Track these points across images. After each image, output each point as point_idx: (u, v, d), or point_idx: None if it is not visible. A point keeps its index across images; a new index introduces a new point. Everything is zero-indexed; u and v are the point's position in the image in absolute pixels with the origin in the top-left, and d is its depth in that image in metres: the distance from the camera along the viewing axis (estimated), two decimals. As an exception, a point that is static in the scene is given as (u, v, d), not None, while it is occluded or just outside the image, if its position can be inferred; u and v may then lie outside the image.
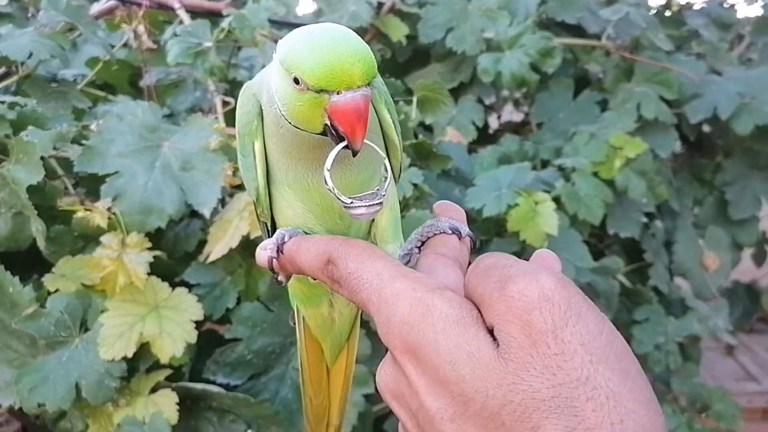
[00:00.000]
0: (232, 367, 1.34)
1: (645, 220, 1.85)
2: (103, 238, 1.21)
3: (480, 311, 0.45)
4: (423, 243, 0.63)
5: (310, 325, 0.78)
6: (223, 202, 1.36)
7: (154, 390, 1.25)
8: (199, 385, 1.26)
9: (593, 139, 1.73)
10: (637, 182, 1.72)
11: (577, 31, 2.04)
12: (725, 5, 2.62)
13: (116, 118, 1.33)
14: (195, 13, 1.77)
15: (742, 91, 1.96)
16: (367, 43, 0.58)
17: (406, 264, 0.62)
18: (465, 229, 0.63)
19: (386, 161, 0.61)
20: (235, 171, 1.27)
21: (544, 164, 1.83)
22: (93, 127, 1.31)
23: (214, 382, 1.33)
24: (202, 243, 1.39)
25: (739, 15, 2.65)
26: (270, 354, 1.36)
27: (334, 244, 0.56)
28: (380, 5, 1.87)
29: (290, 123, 0.57)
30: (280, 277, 0.66)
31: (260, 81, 0.63)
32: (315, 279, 0.61)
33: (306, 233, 0.64)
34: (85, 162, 1.28)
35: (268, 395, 1.36)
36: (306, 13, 2.05)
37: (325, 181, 0.56)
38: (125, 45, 1.88)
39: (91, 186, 1.37)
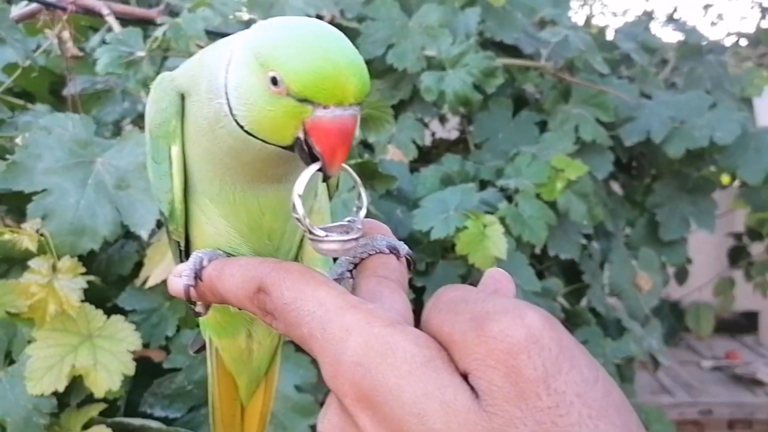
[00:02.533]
0: (170, 399, 1.27)
1: (584, 241, 1.86)
2: (31, 263, 1.11)
3: (448, 353, 0.38)
4: (356, 265, 0.55)
5: (223, 358, 0.69)
6: (159, 223, 1.28)
7: (86, 426, 1.16)
8: (137, 421, 1.17)
9: (535, 161, 1.72)
10: (578, 204, 1.73)
11: (513, 51, 2.04)
12: (646, 28, 2.70)
13: (44, 131, 1.23)
14: (124, 20, 1.68)
15: (673, 115, 2.01)
16: None
17: None
18: (404, 248, 0.55)
19: (362, 189, 0.53)
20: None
21: (483, 184, 1.82)
22: (18, 140, 1.21)
23: (151, 416, 1.25)
24: (138, 266, 1.31)
25: (663, 39, 2.73)
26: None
27: (264, 269, 0.47)
28: (319, 18, 1.82)
29: (242, 128, 0.48)
30: (198, 308, 0.58)
31: (187, 72, 0.54)
32: (241, 309, 0.52)
33: (228, 255, 0.56)
34: (10, 179, 1.18)
35: (208, 428, 1.28)
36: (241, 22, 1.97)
37: (294, 209, 0.48)
38: (46, 51, 1.77)
39: (14, 204, 1.26)
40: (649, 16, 3.63)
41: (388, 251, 0.53)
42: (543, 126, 1.95)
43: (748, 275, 2.96)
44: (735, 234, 3.12)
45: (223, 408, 0.73)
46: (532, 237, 1.62)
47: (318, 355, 0.41)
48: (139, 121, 1.91)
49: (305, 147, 0.47)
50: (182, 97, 0.54)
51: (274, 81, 0.46)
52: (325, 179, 0.50)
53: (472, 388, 0.36)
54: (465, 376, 0.36)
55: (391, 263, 0.53)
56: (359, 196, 0.53)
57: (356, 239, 0.50)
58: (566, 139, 1.83)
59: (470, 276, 1.54)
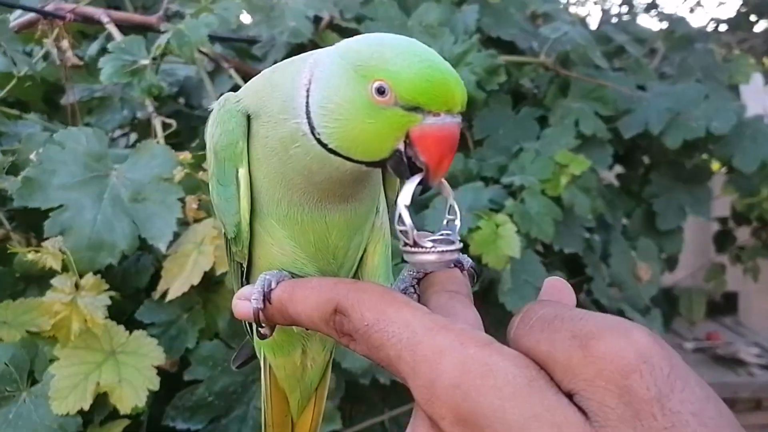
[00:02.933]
0: (191, 411, 1.26)
1: (587, 235, 1.88)
2: (54, 281, 1.09)
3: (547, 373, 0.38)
4: (419, 280, 0.55)
5: (277, 375, 0.69)
6: (176, 235, 1.27)
7: (111, 443, 1.14)
8: (163, 436, 1.16)
9: (539, 157, 1.73)
10: (582, 199, 1.74)
11: (508, 46, 2.04)
12: (625, 17, 2.72)
13: (57, 146, 1.21)
14: (123, 27, 1.65)
15: (669, 106, 2.02)
16: None
17: None
18: (468, 261, 0.55)
19: (454, 201, 0.52)
20: (201, 203, 1.18)
21: (486, 182, 1.82)
22: (32, 156, 1.19)
23: (174, 429, 1.24)
24: (153, 279, 1.29)
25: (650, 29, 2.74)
26: (231, 394, 1.28)
27: (340, 290, 0.47)
28: (318, 20, 1.81)
29: (325, 146, 0.48)
30: (264, 330, 0.57)
31: (254, 93, 0.53)
32: (310, 330, 0.53)
33: (293, 275, 0.56)
34: (26, 195, 1.16)
35: (229, 439, 1.27)
36: (244, 27, 1.96)
37: (401, 220, 0.47)
38: (42, 59, 1.74)
39: (28, 221, 1.25)
40: (629, 4, 3.66)
41: (452, 265, 0.53)
42: (542, 121, 1.96)
43: (739, 260, 2.99)
44: (720, 219, 3.15)
45: (275, 424, 0.73)
46: (540, 233, 1.62)
47: (407, 378, 0.40)
48: (137, 128, 1.90)
49: (404, 159, 0.47)
50: (248, 118, 0.53)
51: (380, 91, 0.45)
52: (424, 192, 0.48)
53: (579, 408, 0.35)
54: (569, 397, 0.36)
55: (457, 277, 0.52)
56: (450, 208, 0.52)
57: (458, 250, 0.50)
58: (567, 133, 1.83)
59: (481, 276, 1.54)
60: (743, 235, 3.11)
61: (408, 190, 0.47)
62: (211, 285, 1.29)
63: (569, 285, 0.48)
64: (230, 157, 0.53)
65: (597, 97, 1.95)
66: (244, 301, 0.54)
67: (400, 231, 0.48)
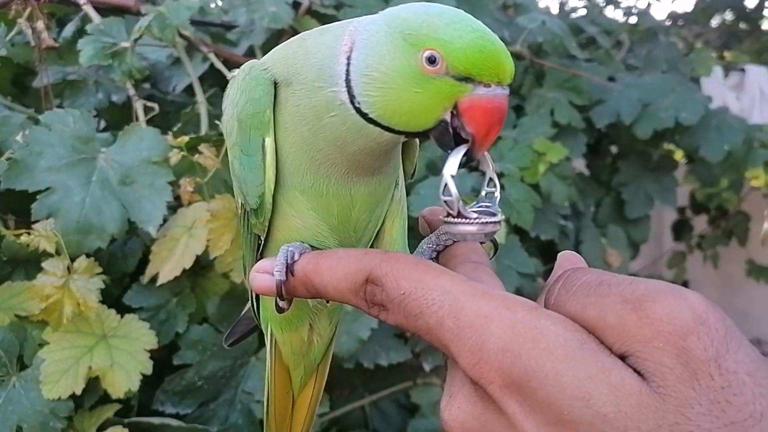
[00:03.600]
0: (181, 395, 1.25)
1: (563, 222, 1.91)
2: (45, 264, 1.07)
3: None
4: (438, 253, 0.55)
5: (282, 351, 0.68)
6: (165, 218, 1.25)
7: (102, 428, 1.13)
8: (156, 419, 1.16)
9: (517, 145, 1.75)
10: (559, 186, 1.77)
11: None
12: (581, 11, 2.76)
13: (44, 128, 1.18)
14: (100, 10, 1.62)
15: (640, 97, 2.07)
16: None
17: None
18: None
19: (494, 174, 0.52)
20: (196, 187, 1.17)
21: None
22: (18, 138, 1.16)
23: (162, 413, 1.23)
24: (142, 262, 1.28)
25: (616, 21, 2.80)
26: (220, 378, 1.28)
27: (372, 260, 0.46)
28: (297, 6, 1.80)
29: (365, 116, 0.47)
30: (282, 303, 0.55)
31: (284, 60, 0.52)
32: (336, 302, 0.52)
33: (314, 248, 0.55)
34: (12, 178, 1.13)
35: (218, 422, 1.27)
36: (217, 13, 1.93)
37: (446, 190, 0.47)
38: (10, 42, 1.70)
39: (13, 204, 1.22)
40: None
41: (485, 239, 0.52)
42: (518, 110, 1.98)
43: (699, 248, 3.07)
44: (678, 208, 3.24)
45: (276, 400, 0.72)
46: (520, 220, 1.65)
47: (451, 344, 0.40)
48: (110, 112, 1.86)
49: (450, 129, 0.47)
50: (275, 86, 0.52)
51: (431, 60, 0.45)
52: (468, 163, 0.48)
53: (634, 370, 0.36)
54: (622, 359, 0.36)
55: (478, 249, 0.52)
56: (490, 181, 0.52)
57: (500, 222, 0.49)
58: (544, 122, 1.86)
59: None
60: (699, 224, 3.20)
61: (454, 161, 0.47)
62: (199, 269, 1.28)
63: (581, 257, 0.49)
64: (256, 125, 0.52)
65: (571, 87, 1.98)
66: (264, 275, 0.53)
67: (445, 201, 0.48)
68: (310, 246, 0.55)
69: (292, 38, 0.55)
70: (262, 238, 0.59)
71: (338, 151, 0.51)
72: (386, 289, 0.44)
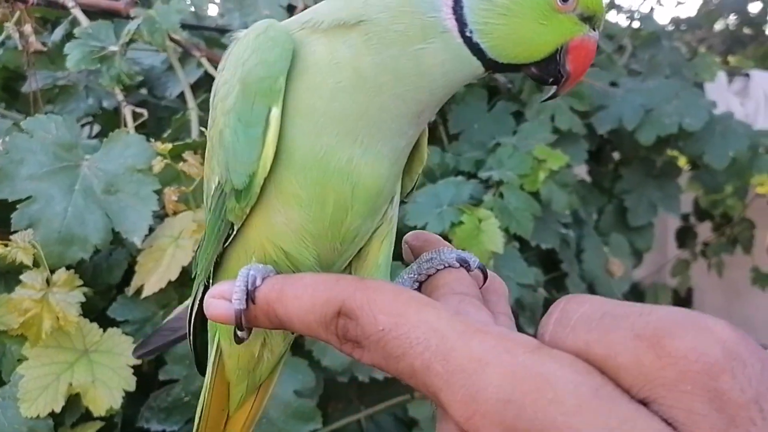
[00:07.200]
0: (167, 411, 1.21)
1: (564, 231, 1.87)
2: (24, 277, 1.03)
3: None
4: (420, 284, 0.50)
5: (228, 365, 0.61)
6: (151, 228, 1.21)
7: (84, 447, 1.09)
8: (139, 438, 1.11)
9: (516, 152, 1.71)
10: (559, 194, 1.72)
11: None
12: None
13: (25, 134, 1.14)
14: (89, 13, 1.58)
15: (642, 102, 2.03)
16: None
17: None
18: (475, 260, 0.50)
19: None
20: (181, 196, 1.13)
21: (461, 176, 1.80)
22: (-1, 145, 1.12)
23: (148, 431, 1.19)
24: (127, 274, 1.24)
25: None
26: (208, 394, 1.23)
27: (345, 288, 0.40)
28: (292, 9, 1.77)
29: (476, 43, 0.46)
30: (242, 334, 0.49)
31: (336, 11, 0.47)
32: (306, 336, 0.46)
33: (278, 271, 0.49)
34: (-9, 186, 1.10)
35: (205, 440, 1.23)
36: (210, 17, 1.90)
37: None
38: (1, 45, 1.67)
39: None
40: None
41: (458, 265, 0.49)
42: (518, 116, 1.94)
43: (704, 255, 3.03)
44: (682, 215, 3.20)
45: (210, 416, 0.65)
46: (519, 229, 1.61)
47: (440, 393, 0.35)
48: (99, 118, 1.82)
49: (557, 63, 0.48)
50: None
51: None
52: (552, 98, 0.52)
53: (661, 418, 0.30)
54: (643, 404, 0.31)
55: (464, 278, 0.48)
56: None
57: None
58: (544, 128, 1.82)
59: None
60: (703, 231, 3.16)
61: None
62: (186, 280, 1.24)
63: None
64: (265, 92, 0.46)
65: (572, 92, 1.94)
66: (221, 301, 0.47)
67: None
68: (276, 267, 0.49)
69: None
70: (236, 228, 0.52)
71: (408, 88, 0.47)
72: (361, 324, 0.39)
